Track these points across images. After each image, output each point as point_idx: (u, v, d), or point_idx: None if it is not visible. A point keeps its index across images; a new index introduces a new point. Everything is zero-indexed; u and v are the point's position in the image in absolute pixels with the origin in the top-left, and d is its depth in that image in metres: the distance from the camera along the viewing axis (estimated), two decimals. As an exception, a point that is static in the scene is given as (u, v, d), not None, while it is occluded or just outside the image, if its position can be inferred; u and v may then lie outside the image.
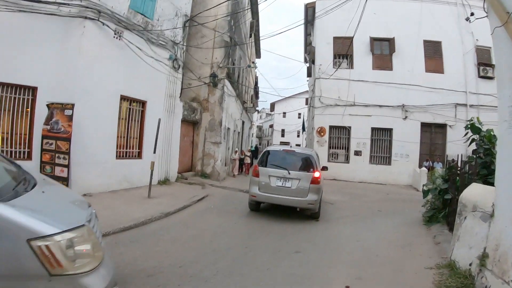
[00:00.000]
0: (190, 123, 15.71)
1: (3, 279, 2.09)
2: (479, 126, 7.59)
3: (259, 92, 51.44)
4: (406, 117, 19.39)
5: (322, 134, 20.14)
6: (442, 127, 19.38)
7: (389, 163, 19.67)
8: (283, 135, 58.77)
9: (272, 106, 59.02)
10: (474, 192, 5.38)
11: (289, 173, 8.54)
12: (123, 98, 10.82)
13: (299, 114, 48.81)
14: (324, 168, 9.83)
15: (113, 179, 10.28)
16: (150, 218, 7.60)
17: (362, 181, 19.28)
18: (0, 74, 7.90)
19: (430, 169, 17.32)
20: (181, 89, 14.40)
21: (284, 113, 55.87)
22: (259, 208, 9.42)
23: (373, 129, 19.85)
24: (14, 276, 2.14)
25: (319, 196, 8.75)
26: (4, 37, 7.97)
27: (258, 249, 6.30)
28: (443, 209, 8.30)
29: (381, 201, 13.18)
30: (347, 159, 20.21)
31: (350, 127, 19.93)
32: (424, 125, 19.47)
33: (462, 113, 18.72)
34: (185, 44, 13.79)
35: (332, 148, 20.41)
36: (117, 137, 10.57)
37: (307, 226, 8.40)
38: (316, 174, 8.65)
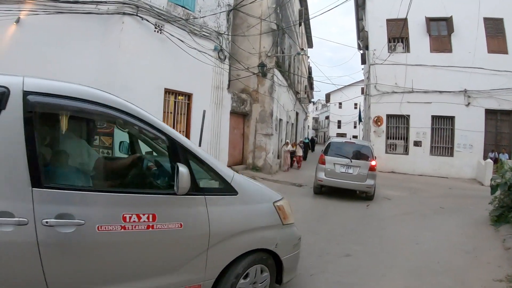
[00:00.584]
0: (240, 115, 15.25)
1: (266, 229, 3.29)
2: None
3: (313, 82, 50.71)
4: (469, 103, 17.70)
5: (379, 123, 19.01)
6: (509, 114, 17.54)
7: (451, 155, 18.14)
8: (339, 127, 57.29)
9: (328, 96, 57.71)
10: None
11: (351, 161, 10.09)
12: (167, 91, 10.65)
13: (355, 104, 47.27)
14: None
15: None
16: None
17: (422, 174, 17.96)
18: (42, 74, 7.91)
19: (496, 161, 15.86)
20: (229, 80, 14.04)
21: (340, 103, 54.25)
22: (321, 191, 10.79)
23: (433, 117, 18.37)
24: (269, 226, 3.34)
25: (375, 181, 10.23)
26: (45, 39, 8.20)
27: (303, 251, 5.76)
28: (513, 208, 7.29)
29: (443, 196, 12.06)
30: (406, 150, 18.92)
31: (408, 115, 18.60)
32: (488, 112, 17.68)
33: None
34: (230, 34, 13.38)
35: (390, 138, 19.20)
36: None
37: (360, 224, 7.72)
38: (373, 163, 10.17)
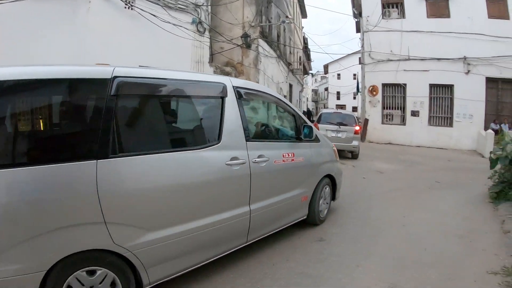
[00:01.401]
0: None
1: (330, 162, 5.36)
2: None
3: (310, 53, 49.33)
4: (468, 71, 16.76)
5: (374, 93, 18.16)
6: (511, 82, 16.61)
7: (450, 125, 17.35)
8: (338, 98, 56.12)
9: (326, 68, 56.43)
10: None
11: (339, 127, 11.81)
12: None
13: (354, 75, 45.97)
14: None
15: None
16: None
17: (420, 145, 17.23)
18: (14, 63, 7.28)
19: (498, 132, 15.12)
20: (211, 54, 13.31)
21: (339, 74, 53.00)
22: None
23: (431, 86, 17.51)
24: (332, 161, 5.45)
25: (359, 143, 12.25)
26: (14, 27, 7.74)
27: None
28: (515, 184, 6.58)
29: (441, 170, 11.34)
30: (403, 121, 18.13)
31: (405, 84, 17.72)
32: (489, 81, 16.75)
33: None
34: (209, 4, 12.45)
35: (386, 108, 18.41)
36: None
37: (345, 203, 6.93)
38: (357, 128, 12.05)
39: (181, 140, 3.40)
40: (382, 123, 18.29)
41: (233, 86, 3.63)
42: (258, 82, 14.48)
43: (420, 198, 7.48)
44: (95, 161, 2.47)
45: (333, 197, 5.78)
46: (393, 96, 18.19)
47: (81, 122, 2.59)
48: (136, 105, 2.98)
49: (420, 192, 7.98)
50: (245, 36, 14.03)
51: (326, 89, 60.32)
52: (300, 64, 30.37)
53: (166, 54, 10.68)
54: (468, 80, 16.73)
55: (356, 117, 13.93)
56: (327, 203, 5.55)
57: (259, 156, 3.75)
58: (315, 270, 3.99)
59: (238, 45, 14.32)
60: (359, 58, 34.75)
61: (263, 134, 4.48)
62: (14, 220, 2.16)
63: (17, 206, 2.17)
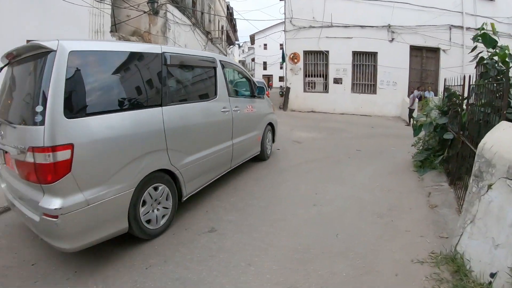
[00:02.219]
0: None
1: (271, 113, 7.73)
2: (495, 38, 4.90)
3: (236, 23, 47.78)
4: (392, 39, 16.58)
5: (295, 60, 17.47)
6: (435, 51, 16.71)
7: (374, 92, 17.19)
8: (265, 68, 55.56)
9: (252, 38, 55.27)
10: (508, 141, 2.83)
11: None
12: None
13: (281, 45, 45.35)
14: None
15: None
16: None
17: (344, 112, 16.98)
18: None
19: (421, 98, 15.18)
20: (114, 24, 11.68)
21: (265, 44, 52.23)
22: None
23: (354, 53, 17.15)
24: (271, 112, 7.75)
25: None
26: None
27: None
28: (440, 151, 6.07)
29: (363, 137, 10.91)
30: (325, 88, 17.71)
31: (327, 51, 17.22)
32: (414, 49, 16.72)
33: (457, 36, 16.15)
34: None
35: (308, 76, 17.85)
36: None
37: (251, 179, 6.12)
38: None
39: (198, 95, 4.77)
40: (304, 91, 17.75)
41: (219, 60, 5.27)
42: None
43: (337, 169, 6.82)
44: (161, 107, 3.80)
45: (273, 140, 7.95)
46: (316, 64, 17.63)
47: (152, 82, 3.81)
48: (176, 71, 4.26)
49: (338, 163, 7.34)
50: (151, 1, 12.46)
51: (253, 59, 59.42)
52: (222, 33, 28.94)
53: (59, 25, 9.22)
54: (392, 48, 16.54)
55: (281, 86, 14.82)
56: (270, 144, 7.66)
57: (236, 107, 5.59)
58: (196, 274, 3.13)
59: (145, 12, 12.74)
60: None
61: (235, 92, 6.27)
62: (117, 151, 3.19)
63: (118, 140, 3.22)
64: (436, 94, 15.53)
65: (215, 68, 5.06)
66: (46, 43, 2.91)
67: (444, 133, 5.75)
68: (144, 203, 3.56)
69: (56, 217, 2.77)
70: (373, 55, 16.98)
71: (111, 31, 11.48)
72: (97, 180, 3.02)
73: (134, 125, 3.40)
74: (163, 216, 3.89)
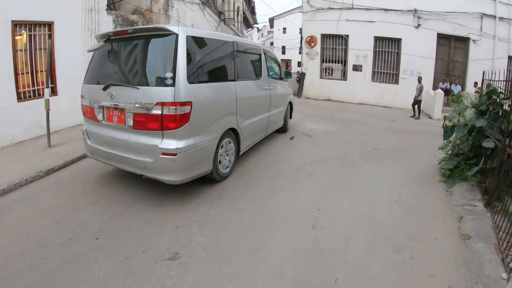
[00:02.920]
0: None
1: (290, 94, 8.76)
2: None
3: (255, 6, 46.30)
4: (419, 25, 15.05)
5: (312, 44, 16.21)
6: (464, 41, 15.09)
7: (396, 82, 15.77)
8: (283, 53, 53.82)
9: (271, 22, 53.60)
10: None
11: None
12: (17, 24, 7.53)
13: (300, 29, 43.71)
14: None
15: (20, 128, 7.62)
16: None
17: (362, 102, 15.70)
18: None
19: (447, 92, 13.77)
20: (113, 2, 10.72)
21: (284, 28, 50.54)
22: None
23: (376, 38, 15.70)
24: (291, 93, 8.97)
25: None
26: None
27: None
28: (473, 159, 4.93)
29: (382, 131, 9.73)
30: (344, 76, 16.40)
31: (347, 35, 15.85)
32: (441, 37, 15.13)
33: (489, 26, 14.47)
34: None
35: (326, 61, 16.55)
36: (16, 74, 7.65)
37: (244, 179, 5.19)
38: None
39: (253, 75, 6.18)
40: (321, 77, 16.49)
41: (263, 49, 6.82)
42: None
43: (348, 174, 5.74)
44: (234, 82, 5.20)
45: (290, 116, 8.90)
46: (334, 49, 16.31)
47: (230, 62, 5.22)
48: (240, 55, 5.57)
49: (351, 165, 6.25)
50: (153, -26, 11.40)
51: (272, 43, 57.86)
52: (237, 14, 27.71)
53: (47, 3, 8.31)
54: (417, 34, 15.06)
55: (298, 72, 15.22)
56: (289, 119, 8.82)
57: (271, 86, 6.95)
58: None
59: (145, -12, 11.75)
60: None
61: (271, 75, 7.09)
62: (211, 110, 4.51)
63: (213, 103, 4.56)
64: (463, 88, 14.27)
65: (260, 55, 6.62)
66: (170, 27, 4.07)
67: (481, 139, 4.59)
68: (220, 152, 4.88)
69: (175, 154, 3.92)
70: (397, 41, 15.56)
71: (107, 9, 10.54)
72: (201, 130, 4.29)
73: (221, 92, 4.83)
74: (227, 167, 5.20)
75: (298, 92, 16.98)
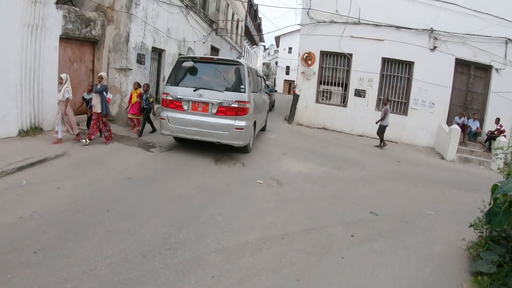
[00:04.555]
0: (85, 43, 9.94)
1: (267, 104, 12.69)
2: None
3: (261, 22, 44.51)
4: (434, 47, 12.77)
5: (309, 62, 13.92)
6: (485, 69, 12.81)
7: (405, 113, 13.35)
8: (287, 73, 51.95)
9: (277, 40, 51.84)
10: None
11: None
12: None
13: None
14: None
15: None
16: None
17: (363, 134, 13.28)
18: None
19: (464, 128, 11.63)
20: None
21: (290, 48, 48.58)
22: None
23: (385, 60, 13.37)
24: (268, 104, 13.48)
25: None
26: None
27: None
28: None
29: (384, 179, 7.37)
30: (343, 101, 14.00)
31: (351, 54, 13.53)
32: (459, 63, 12.84)
33: None
34: None
35: (324, 83, 14.17)
36: None
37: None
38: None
39: (256, 88, 8.69)
40: (317, 101, 14.09)
41: (261, 73, 11.59)
42: (129, 31, 9.99)
43: (316, 279, 3.27)
44: (255, 93, 8.58)
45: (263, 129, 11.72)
46: (334, 69, 13.95)
47: (255, 81, 8.89)
48: (256, 77, 9.08)
49: (326, 253, 3.82)
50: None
51: (277, 63, 56.04)
52: (237, 27, 25.73)
53: None
54: (433, 58, 12.77)
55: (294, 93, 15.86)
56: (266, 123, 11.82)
57: (263, 97, 10.29)
58: None
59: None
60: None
61: (263, 89, 10.90)
62: (257, 109, 8.35)
63: (257, 104, 8.50)
64: (481, 124, 11.95)
65: (261, 77, 10.78)
66: (240, 61, 7.69)
67: None
68: None
69: (242, 129, 7.04)
70: (408, 65, 13.26)
71: (57, 2, 8.55)
72: (251, 118, 7.57)
73: (255, 98, 8.12)
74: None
75: (289, 117, 14.61)
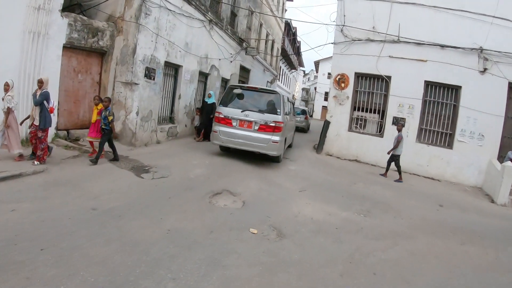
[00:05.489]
0: (92, 53, 9.18)
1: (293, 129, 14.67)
2: None
3: (300, 46, 43.58)
4: (485, 69, 10.87)
5: (342, 85, 12.47)
6: None
7: (450, 146, 11.47)
8: (326, 99, 50.33)
9: (317, 65, 50.64)
10: None
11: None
12: None
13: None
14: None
15: None
16: None
17: (401, 170, 11.53)
18: None
19: None
20: (77, 2, 9.12)
21: (329, 73, 47.16)
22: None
23: (428, 84, 11.66)
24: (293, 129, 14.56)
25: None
26: None
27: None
28: None
29: (423, 231, 5.77)
30: (380, 130, 12.35)
31: (389, 77, 11.94)
32: None
33: None
34: None
35: (358, 110, 12.60)
36: None
37: None
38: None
39: (288, 112, 10.70)
40: (350, 129, 12.53)
41: (291, 100, 15.25)
42: (136, 42, 9.01)
43: None
44: (288, 115, 10.84)
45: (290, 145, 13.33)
46: (370, 93, 12.40)
47: (287, 106, 11.45)
48: (284, 102, 10.15)
49: None
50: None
51: (316, 89, 54.69)
52: (272, 47, 24.78)
53: None
54: (483, 82, 10.92)
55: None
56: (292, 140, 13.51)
57: (292, 119, 12.43)
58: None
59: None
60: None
61: (292, 112, 12.67)
62: (287, 128, 10.13)
63: (287, 124, 10.30)
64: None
65: (292, 103, 13.20)
66: (277, 90, 10.75)
67: None
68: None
69: (277, 142, 8.82)
70: (455, 90, 11.47)
71: (63, 10, 7.99)
72: (284, 134, 9.29)
73: (286, 119, 9.60)
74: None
75: (318, 146, 13.12)
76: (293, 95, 53.27)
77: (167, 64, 10.59)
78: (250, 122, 8.96)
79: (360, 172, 10.38)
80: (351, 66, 12.26)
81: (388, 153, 10.17)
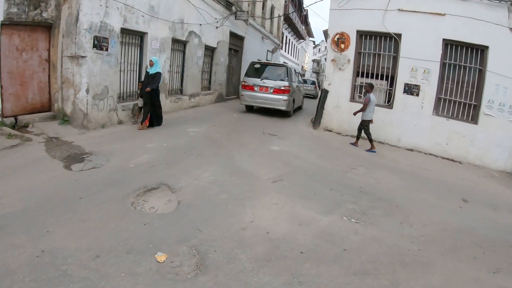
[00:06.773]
0: (37, 28, 7.77)
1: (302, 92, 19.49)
2: None
3: (307, 15, 41.08)
4: (517, 26, 8.70)
5: (342, 46, 10.44)
6: None
7: (474, 120, 9.32)
8: (336, 70, 48.20)
9: (325, 35, 47.89)
10: None
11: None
12: None
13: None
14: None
15: None
16: None
17: (414, 148, 9.57)
18: None
19: None
20: None
21: (325, 32, 44.88)
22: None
23: (447, 44, 9.47)
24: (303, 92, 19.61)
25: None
26: None
27: None
28: None
29: (439, 249, 3.87)
30: (389, 101, 10.31)
31: (399, 35, 9.80)
32: None
33: None
34: None
35: (362, 75, 10.56)
36: None
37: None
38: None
39: (295, 80, 14.23)
40: (352, 99, 10.51)
41: (299, 70, 27.26)
42: (79, 8, 7.41)
43: None
44: (294, 82, 14.61)
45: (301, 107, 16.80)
46: (376, 55, 10.29)
47: (295, 76, 15.73)
48: (290, 72, 13.58)
49: None
50: None
51: (326, 59, 52.32)
52: (271, 12, 22.60)
53: None
54: (514, 42, 8.81)
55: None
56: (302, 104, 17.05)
57: (298, 86, 15.23)
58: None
59: None
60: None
61: (299, 81, 16.13)
62: (294, 91, 13.60)
63: (294, 88, 13.80)
64: None
65: (301, 74, 19.59)
66: (285, 64, 14.85)
67: None
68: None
69: (286, 100, 12.33)
70: (480, 51, 9.27)
71: None
72: (292, 95, 12.88)
73: (293, 85, 13.08)
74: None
75: (315, 120, 11.24)
76: (302, 66, 50.74)
77: (126, 31, 8.76)
78: (267, 87, 12.26)
79: (362, 153, 8.47)
80: (352, 23, 10.14)
81: (354, 114, 8.89)
